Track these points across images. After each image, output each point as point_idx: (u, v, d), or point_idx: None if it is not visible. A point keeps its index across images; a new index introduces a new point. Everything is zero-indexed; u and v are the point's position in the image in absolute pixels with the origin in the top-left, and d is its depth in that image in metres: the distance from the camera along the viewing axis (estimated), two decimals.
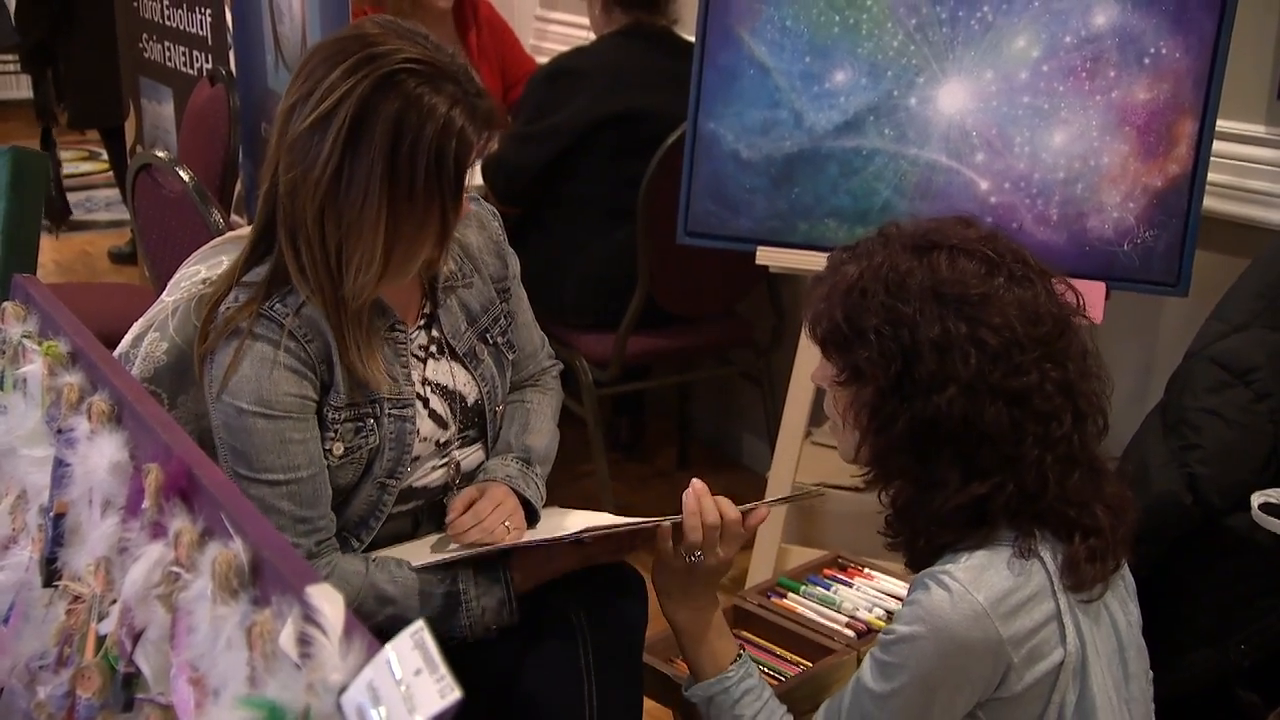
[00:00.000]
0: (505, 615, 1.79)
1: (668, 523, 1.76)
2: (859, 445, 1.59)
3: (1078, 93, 2.50)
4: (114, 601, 1.14)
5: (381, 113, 1.62)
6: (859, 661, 2.06)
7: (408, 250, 1.69)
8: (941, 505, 1.52)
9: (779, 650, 2.09)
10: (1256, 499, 2.02)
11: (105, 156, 6.39)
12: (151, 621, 1.06)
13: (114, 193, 6.49)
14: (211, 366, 1.71)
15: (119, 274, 5.64)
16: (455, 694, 0.73)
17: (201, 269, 1.95)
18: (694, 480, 1.76)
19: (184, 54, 4.02)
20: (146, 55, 4.26)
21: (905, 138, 2.60)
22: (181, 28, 3.97)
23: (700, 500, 1.73)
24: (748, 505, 1.78)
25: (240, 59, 3.67)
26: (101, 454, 1.19)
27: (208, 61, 3.90)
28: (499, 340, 1.93)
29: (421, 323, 1.86)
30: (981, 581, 1.48)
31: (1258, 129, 2.62)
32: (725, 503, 1.74)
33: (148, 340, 1.87)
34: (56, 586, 1.28)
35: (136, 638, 1.08)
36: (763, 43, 2.66)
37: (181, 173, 2.64)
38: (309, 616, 0.84)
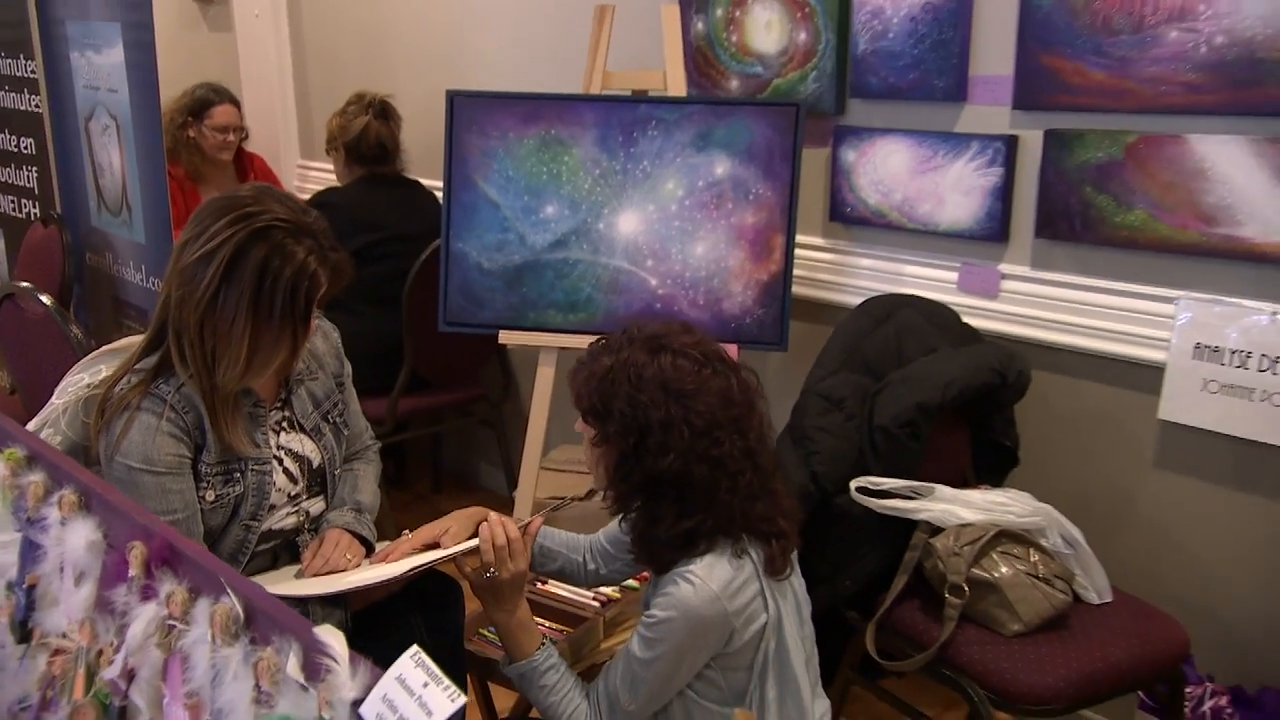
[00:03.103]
0: (343, 630, 1.72)
1: (470, 546, 1.68)
2: (607, 487, 1.59)
3: (710, 219, 2.63)
4: (100, 653, 1.04)
5: (252, 256, 1.57)
6: (605, 624, 2.10)
7: (266, 358, 1.64)
8: (664, 534, 1.54)
9: (547, 623, 2.09)
10: (853, 484, 2.13)
11: None
12: (145, 663, 0.98)
13: None
14: (107, 434, 1.62)
15: None
16: (462, 699, 0.72)
17: (85, 376, 1.82)
18: (490, 514, 1.69)
19: (13, 202, 3.64)
20: None
21: (599, 250, 2.67)
22: (10, 181, 3.60)
23: (492, 529, 1.66)
24: (524, 522, 1.74)
25: (65, 205, 3.38)
26: (77, 535, 1.08)
27: (34, 207, 3.55)
28: (337, 420, 1.87)
29: (279, 404, 1.80)
30: (714, 574, 1.51)
31: (819, 240, 2.80)
32: (510, 524, 1.68)
33: (43, 435, 1.74)
34: (31, 643, 1.16)
35: (131, 678, 0.99)
36: (493, 187, 2.68)
37: (43, 298, 2.40)
38: (315, 648, 0.81)
